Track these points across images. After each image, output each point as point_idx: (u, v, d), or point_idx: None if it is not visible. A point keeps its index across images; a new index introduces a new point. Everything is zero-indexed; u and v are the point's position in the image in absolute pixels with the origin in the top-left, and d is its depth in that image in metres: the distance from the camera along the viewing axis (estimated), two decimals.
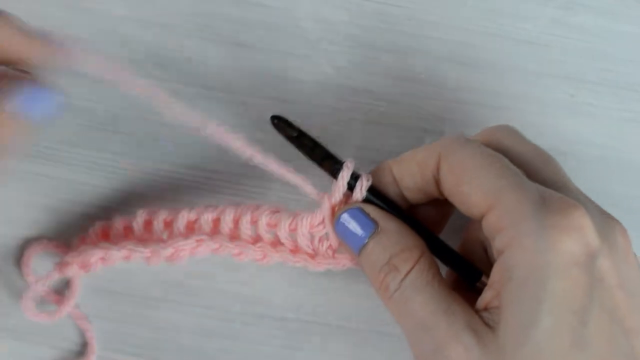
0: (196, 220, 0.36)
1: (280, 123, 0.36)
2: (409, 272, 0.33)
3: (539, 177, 0.34)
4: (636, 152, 0.44)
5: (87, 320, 0.40)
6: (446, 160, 0.34)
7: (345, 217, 0.35)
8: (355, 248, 0.35)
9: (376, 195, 0.35)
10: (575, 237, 0.30)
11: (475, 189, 0.33)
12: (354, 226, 0.35)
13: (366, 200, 0.35)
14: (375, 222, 0.34)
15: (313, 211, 0.36)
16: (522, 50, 0.44)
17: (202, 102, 0.42)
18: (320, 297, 0.41)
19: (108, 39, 0.42)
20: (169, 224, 0.37)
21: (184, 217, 0.36)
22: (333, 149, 0.40)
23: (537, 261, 0.30)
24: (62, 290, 0.40)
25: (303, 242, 0.36)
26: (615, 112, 0.44)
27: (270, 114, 0.37)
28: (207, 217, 0.36)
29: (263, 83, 0.42)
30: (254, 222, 0.36)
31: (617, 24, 0.44)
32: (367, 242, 0.34)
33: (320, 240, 0.36)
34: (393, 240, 0.34)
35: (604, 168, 0.43)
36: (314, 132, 0.42)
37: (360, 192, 0.35)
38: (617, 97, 0.44)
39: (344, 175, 0.35)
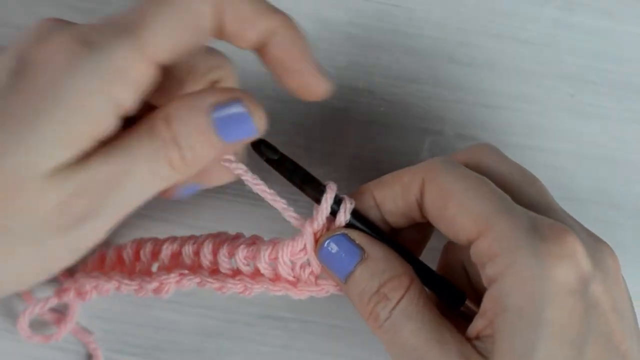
0: (179, 251, 0.36)
1: (261, 145, 0.34)
2: (399, 300, 0.32)
3: (524, 198, 0.33)
4: (636, 152, 0.44)
5: (88, 332, 0.40)
6: (431, 184, 0.33)
7: (330, 244, 0.33)
8: (341, 276, 0.33)
9: (359, 219, 0.34)
10: (569, 265, 0.30)
11: (463, 214, 0.32)
12: (339, 253, 0.33)
13: (349, 225, 0.34)
14: (361, 249, 0.33)
15: (293, 238, 0.34)
16: (522, 50, 0.44)
17: None
18: (319, 297, 0.41)
19: None
20: (155, 255, 0.37)
21: (167, 249, 0.36)
22: (333, 149, 0.40)
23: (532, 290, 0.30)
24: (62, 309, 0.40)
25: (284, 270, 0.34)
26: (615, 112, 0.44)
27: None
28: (188, 250, 0.36)
29: (262, 83, 0.42)
30: (232, 256, 0.35)
31: (617, 24, 0.44)
32: (353, 270, 0.33)
33: (302, 267, 0.35)
34: (381, 267, 0.32)
35: (604, 168, 0.43)
36: (314, 132, 0.42)
37: (344, 215, 0.33)
38: (617, 97, 0.44)
39: (328, 199, 0.33)
